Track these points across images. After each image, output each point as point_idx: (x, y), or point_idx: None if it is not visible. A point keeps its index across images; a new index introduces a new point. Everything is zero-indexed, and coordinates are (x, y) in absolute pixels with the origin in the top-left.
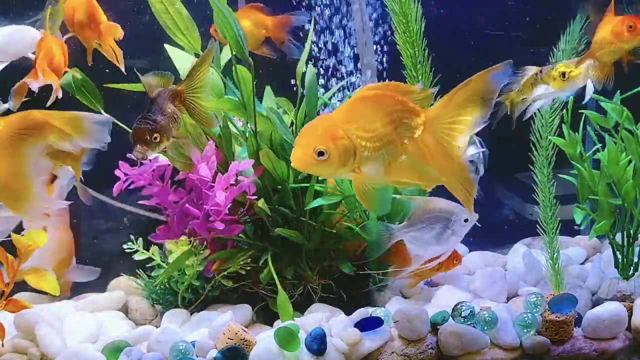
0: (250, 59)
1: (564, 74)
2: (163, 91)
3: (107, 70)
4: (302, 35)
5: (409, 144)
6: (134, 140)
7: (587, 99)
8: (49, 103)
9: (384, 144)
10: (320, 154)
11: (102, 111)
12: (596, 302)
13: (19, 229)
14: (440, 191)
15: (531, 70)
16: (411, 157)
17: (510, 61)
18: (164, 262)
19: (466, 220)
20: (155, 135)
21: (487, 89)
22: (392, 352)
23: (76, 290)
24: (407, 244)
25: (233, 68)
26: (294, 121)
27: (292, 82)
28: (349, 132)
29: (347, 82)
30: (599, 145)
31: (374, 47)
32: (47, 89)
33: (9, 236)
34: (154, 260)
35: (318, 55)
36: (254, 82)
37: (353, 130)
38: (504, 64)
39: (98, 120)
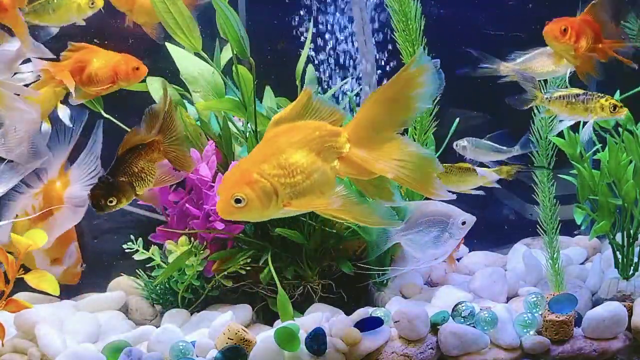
0: (251, 59)
1: (614, 107)
2: (134, 148)
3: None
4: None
5: (340, 165)
6: (90, 202)
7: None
8: None
9: (308, 174)
10: (238, 201)
11: (102, 111)
12: (596, 302)
13: None
14: None
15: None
16: (347, 175)
17: (422, 51)
18: (164, 262)
19: (464, 223)
20: (110, 199)
21: (407, 87)
22: (392, 352)
23: (76, 290)
24: (405, 246)
25: (233, 68)
26: None
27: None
28: (265, 174)
29: (347, 82)
30: (599, 146)
31: (374, 47)
32: None
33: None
34: (154, 260)
35: (317, 54)
36: (255, 82)
37: (268, 170)
38: (417, 56)
39: None
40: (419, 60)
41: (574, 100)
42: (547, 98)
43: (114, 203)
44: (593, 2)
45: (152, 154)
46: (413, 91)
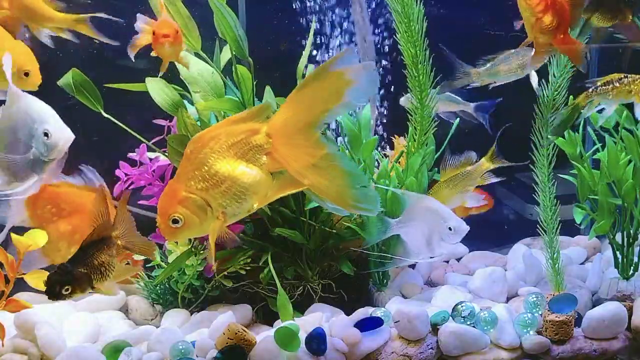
0: (250, 58)
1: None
2: (98, 240)
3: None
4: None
5: (268, 161)
6: (45, 287)
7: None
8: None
9: (234, 179)
10: (175, 221)
11: (102, 111)
12: (596, 302)
13: None
14: None
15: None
16: (277, 169)
17: (352, 48)
18: (164, 262)
19: (450, 229)
20: (66, 287)
21: (335, 82)
22: (392, 352)
23: None
24: (403, 238)
25: (233, 68)
26: None
27: None
28: (192, 189)
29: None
30: (598, 145)
31: (374, 46)
32: None
33: None
34: (153, 260)
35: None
36: (254, 82)
37: (195, 184)
38: (345, 52)
39: None
40: (348, 57)
41: (617, 84)
42: (593, 89)
43: (68, 292)
44: None
45: (112, 249)
46: (337, 88)
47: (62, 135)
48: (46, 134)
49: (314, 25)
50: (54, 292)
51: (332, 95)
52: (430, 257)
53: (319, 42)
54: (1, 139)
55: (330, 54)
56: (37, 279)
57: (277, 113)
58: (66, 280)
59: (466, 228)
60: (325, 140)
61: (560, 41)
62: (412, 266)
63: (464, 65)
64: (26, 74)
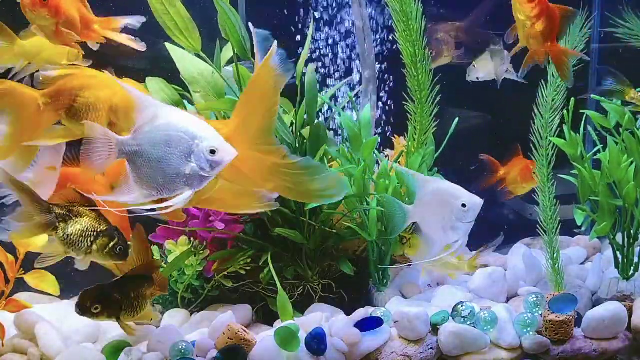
0: (252, 58)
1: None
2: (140, 276)
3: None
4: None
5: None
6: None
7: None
8: None
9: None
10: None
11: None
12: (596, 302)
13: None
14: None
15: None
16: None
17: (274, 41)
18: (163, 262)
19: (464, 206)
20: (96, 305)
21: (273, 79)
22: (392, 352)
23: (76, 290)
24: (421, 226)
25: (234, 68)
26: (294, 121)
27: None
28: None
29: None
30: (600, 147)
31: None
32: None
33: None
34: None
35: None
36: None
37: None
38: (273, 50)
39: None
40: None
41: None
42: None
43: (97, 310)
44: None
45: (150, 289)
46: (275, 85)
47: (229, 152)
48: (213, 152)
49: (312, 26)
50: (84, 306)
51: (273, 94)
52: (448, 251)
53: (317, 41)
54: (149, 153)
55: (330, 53)
56: (37, 279)
57: (231, 121)
58: (99, 299)
59: (480, 202)
60: (278, 142)
61: (550, 48)
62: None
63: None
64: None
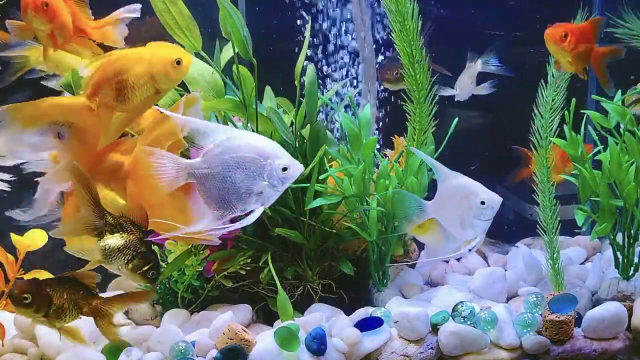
0: (253, 58)
1: None
2: (82, 286)
3: None
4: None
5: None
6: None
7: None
8: None
9: None
10: None
11: None
12: (596, 302)
13: None
14: None
15: None
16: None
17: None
18: (163, 262)
19: (483, 203)
20: (26, 295)
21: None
22: (392, 352)
23: None
24: (440, 221)
25: (234, 68)
26: (294, 121)
27: None
28: None
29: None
30: (600, 147)
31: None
32: None
33: None
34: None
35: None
36: (256, 82)
37: None
38: None
39: None
40: None
41: None
42: None
43: (27, 301)
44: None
45: (84, 301)
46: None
47: (298, 168)
48: (285, 169)
49: (309, 26)
50: (16, 295)
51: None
52: (469, 250)
53: (317, 41)
54: (222, 175)
55: (330, 54)
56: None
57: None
58: (31, 290)
59: (499, 200)
60: None
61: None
62: (412, 266)
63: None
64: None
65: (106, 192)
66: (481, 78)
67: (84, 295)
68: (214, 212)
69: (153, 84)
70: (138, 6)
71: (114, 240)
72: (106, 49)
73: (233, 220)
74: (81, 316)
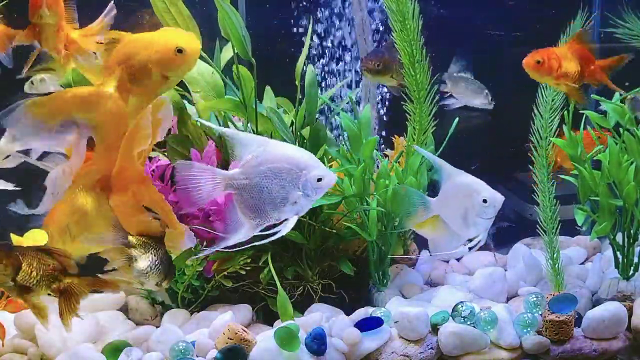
0: (252, 58)
1: None
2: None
3: None
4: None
5: None
6: None
7: None
8: None
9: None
10: None
11: None
12: (596, 302)
13: None
14: None
15: None
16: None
17: None
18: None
19: (485, 201)
20: None
21: None
22: (392, 352)
23: None
24: (444, 218)
25: (234, 68)
26: (294, 121)
27: None
28: None
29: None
30: (600, 147)
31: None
32: None
33: None
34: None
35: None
36: (255, 82)
37: None
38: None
39: None
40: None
41: None
42: None
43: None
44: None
45: (54, 280)
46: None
47: (332, 178)
48: (319, 179)
49: (311, 26)
50: None
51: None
52: (469, 247)
53: (318, 41)
54: (259, 185)
55: (330, 53)
56: None
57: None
58: (2, 248)
59: (501, 198)
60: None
61: (593, 76)
62: (412, 265)
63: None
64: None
65: (81, 201)
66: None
67: (57, 271)
68: (250, 222)
69: (159, 70)
70: (111, 5)
71: (145, 262)
72: None
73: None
74: (50, 293)
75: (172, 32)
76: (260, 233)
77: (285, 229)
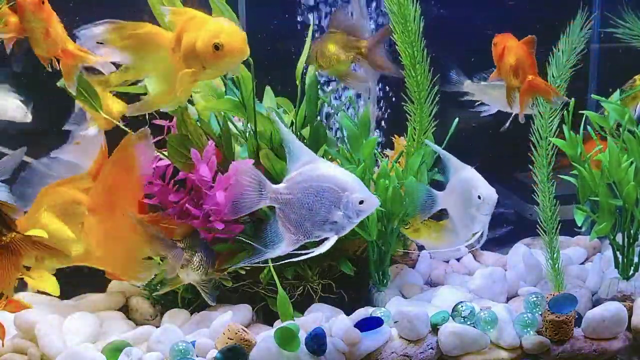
0: (250, 58)
1: None
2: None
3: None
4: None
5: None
6: None
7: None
8: None
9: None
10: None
11: (102, 112)
12: (596, 302)
13: None
14: None
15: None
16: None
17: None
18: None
19: (479, 197)
20: None
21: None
22: (392, 352)
23: (76, 290)
24: (450, 212)
25: None
26: (294, 121)
27: None
28: None
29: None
30: (600, 147)
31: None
32: None
33: None
34: (153, 259)
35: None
36: (254, 82)
37: None
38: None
39: None
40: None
41: None
42: None
43: None
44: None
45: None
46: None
47: (374, 202)
48: (361, 202)
49: (312, 26)
50: None
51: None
52: (468, 245)
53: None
54: (301, 202)
55: None
56: (37, 279)
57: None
58: None
59: (495, 196)
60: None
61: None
62: (412, 265)
63: (460, 73)
64: (217, 47)
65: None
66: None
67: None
68: (290, 236)
69: (199, 58)
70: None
71: (196, 259)
72: None
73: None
74: None
75: (218, 24)
76: (295, 252)
77: (323, 248)
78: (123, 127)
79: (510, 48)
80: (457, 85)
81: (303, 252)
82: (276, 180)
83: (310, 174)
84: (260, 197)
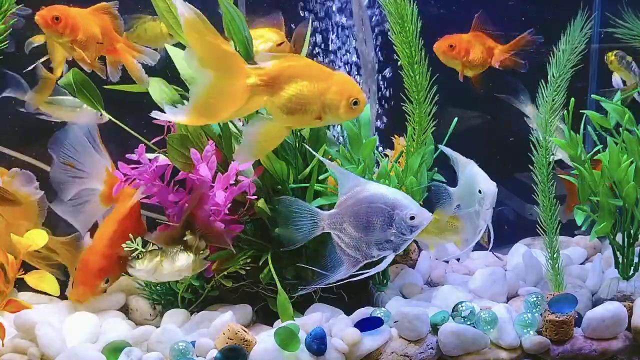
0: (254, 59)
1: None
2: None
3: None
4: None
5: None
6: None
7: None
8: None
9: None
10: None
11: (103, 111)
12: (596, 302)
13: None
14: None
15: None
16: None
17: None
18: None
19: (480, 192)
20: None
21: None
22: (392, 352)
23: None
24: (462, 207)
25: None
26: None
27: None
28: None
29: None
30: (600, 147)
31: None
32: None
33: None
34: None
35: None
36: None
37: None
38: None
39: None
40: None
41: None
42: None
43: None
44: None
45: None
46: None
47: (426, 216)
48: (412, 217)
49: (310, 26)
50: None
51: None
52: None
53: (318, 41)
54: (353, 224)
55: (330, 53)
56: (37, 279)
57: None
58: None
59: (494, 190)
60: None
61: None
62: (412, 265)
63: (526, 95)
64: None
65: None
66: None
67: None
68: (349, 259)
69: (320, 109)
70: (157, 55)
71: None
72: None
73: None
74: None
75: (343, 77)
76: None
77: (383, 265)
78: (122, 126)
79: (466, 41)
80: (521, 106)
81: (361, 272)
82: (276, 180)
83: (359, 197)
84: (315, 226)
